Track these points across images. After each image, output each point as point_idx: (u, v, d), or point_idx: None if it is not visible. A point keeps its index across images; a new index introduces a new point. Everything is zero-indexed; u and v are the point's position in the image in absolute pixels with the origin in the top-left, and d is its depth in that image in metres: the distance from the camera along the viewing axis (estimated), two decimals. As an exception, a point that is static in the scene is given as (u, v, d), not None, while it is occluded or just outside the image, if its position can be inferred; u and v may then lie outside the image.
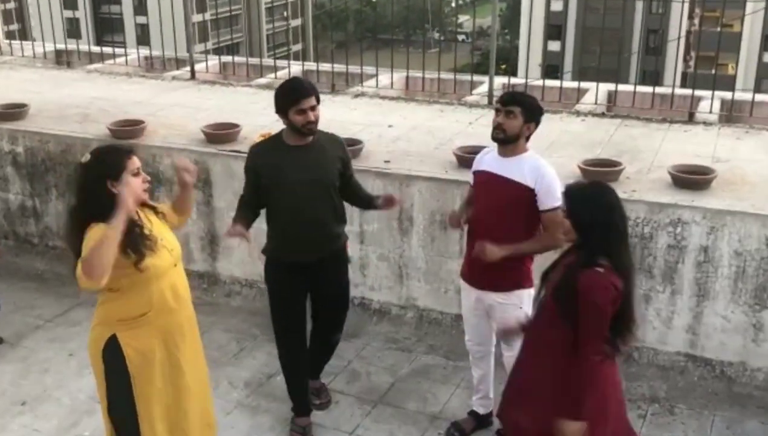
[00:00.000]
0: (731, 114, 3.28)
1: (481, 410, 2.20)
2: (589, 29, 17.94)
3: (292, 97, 1.94)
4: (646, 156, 2.77)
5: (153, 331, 1.63)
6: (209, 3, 20.40)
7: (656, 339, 2.45)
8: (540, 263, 2.00)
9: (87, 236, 1.54)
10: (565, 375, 1.51)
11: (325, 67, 3.99)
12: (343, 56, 4.29)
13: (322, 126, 2.03)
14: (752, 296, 2.34)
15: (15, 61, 4.51)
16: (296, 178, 1.98)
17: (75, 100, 3.63)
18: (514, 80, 3.68)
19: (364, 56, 3.99)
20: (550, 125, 2.85)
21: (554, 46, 19.24)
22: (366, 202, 2.17)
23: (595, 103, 3.40)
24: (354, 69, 3.91)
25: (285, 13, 27.18)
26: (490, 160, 1.98)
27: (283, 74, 4.05)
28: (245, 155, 2.11)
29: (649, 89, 3.43)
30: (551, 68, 17.25)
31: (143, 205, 1.68)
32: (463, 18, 22.33)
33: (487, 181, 1.97)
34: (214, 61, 4.38)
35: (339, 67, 4.05)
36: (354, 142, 2.73)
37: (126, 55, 4.52)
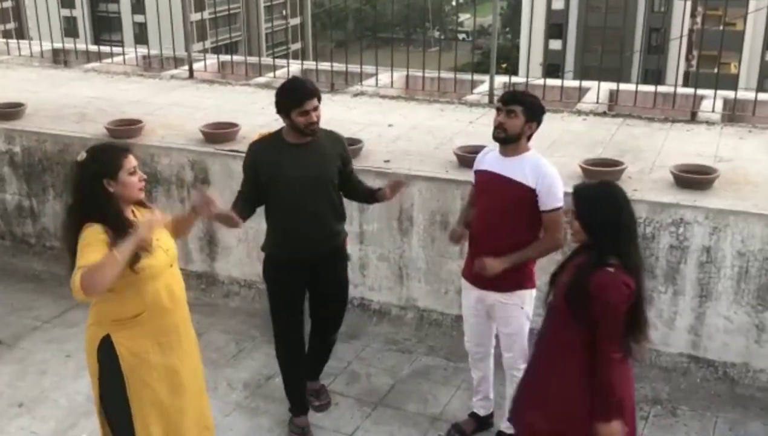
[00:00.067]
0: (734, 113, 3.28)
1: (482, 412, 2.19)
2: (590, 28, 17.93)
3: (296, 99, 1.94)
4: (648, 156, 2.76)
5: (147, 331, 1.62)
6: (208, 1, 20.36)
7: (658, 340, 2.44)
8: (540, 265, 2.01)
9: (82, 237, 1.52)
10: (580, 376, 1.51)
11: (325, 66, 3.98)
12: (343, 55, 4.26)
13: (321, 125, 2.03)
14: (755, 297, 2.33)
15: (12, 60, 4.50)
16: (295, 176, 1.98)
17: (72, 100, 3.61)
18: (515, 79, 3.67)
19: (363, 55, 3.96)
20: (552, 125, 2.83)
21: (555, 44, 19.23)
22: (368, 195, 2.17)
23: (597, 103, 3.39)
24: (353, 68, 3.89)
25: (284, 12, 27.15)
26: (491, 160, 1.97)
27: (282, 73, 4.03)
28: (244, 155, 2.11)
29: (651, 88, 3.42)
30: (552, 67, 17.25)
31: (139, 204, 1.66)
32: (463, 16, 22.31)
33: (488, 180, 1.96)
34: (212, 60, 4.37)
35: (338, 66, 4.03)
36: (354, 142, 2.71)
37: (124, 54, 4.51)
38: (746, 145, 2.90)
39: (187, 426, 1.69)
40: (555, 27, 19.25)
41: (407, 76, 3.90)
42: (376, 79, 3.81)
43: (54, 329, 2.78)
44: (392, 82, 3.78)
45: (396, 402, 2.35)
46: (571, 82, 3.79)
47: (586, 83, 3.70)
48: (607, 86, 3.56)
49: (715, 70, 3.35)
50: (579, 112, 3.33)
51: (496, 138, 1.92)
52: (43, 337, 2.73)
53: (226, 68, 4.26)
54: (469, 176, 2.25)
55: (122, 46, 4.76)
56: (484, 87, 3.64)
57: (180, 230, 1.77)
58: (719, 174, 2.46)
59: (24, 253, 3.35)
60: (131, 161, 1.59)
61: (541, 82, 3.56)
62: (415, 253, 2.70)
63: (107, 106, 3.47)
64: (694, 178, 2.43)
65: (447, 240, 2.57)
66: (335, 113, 3.14)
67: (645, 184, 2.48)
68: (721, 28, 3.47)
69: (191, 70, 4.08)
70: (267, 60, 4.39)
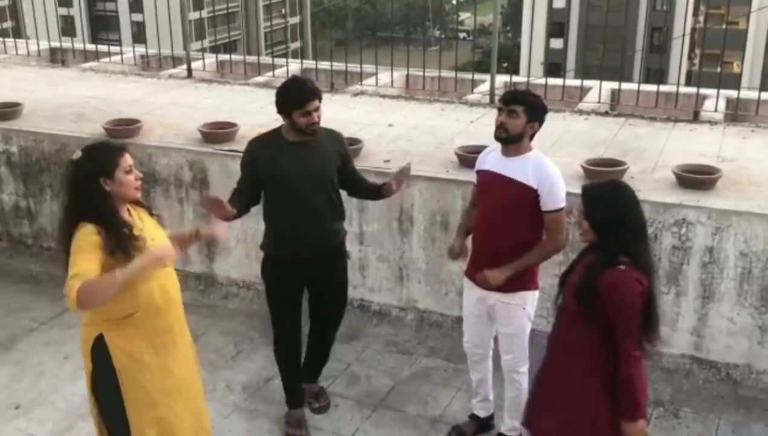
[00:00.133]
0: (737, 113, 3.26)
1: (482, 413, 2.18)
2: (592, 26, 17.89)
3: (297, 99, 1.94)
4: (651, 155, 2.75)
5: (141, 332, 1.60)
6: (206, 0, 20.29)
7: (660, 341, 2.43)
8: (542, 265, 1.99)
9: (75, 238, 1.51)
10: (591, 377, 1.50)
11: (324, 65, 3.96)
12: (342, 54, 4.22)
13: (321, 124, 2.02)
14: (758, 298, 2.32)
15: (9, 59, 4.47)
16: (294, 173, 1.98)
17: (70, 99, 3.59)
18: (516, 78, 3.66)
19: (363, 54, 3.94)
20: (553, 124, 2.81)
21: (557, 43, 19.19)
22: (373, 192, 2.16)
23: (599, 102, 3.38)
24: (353, 67, 3.87)
25: (283, 11, 27.11)
26: (493, 160, 1.95)
27: (281, 72, 4.01)
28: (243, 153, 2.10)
29: (653, 88, 3.39)
30: (554, 66, 17.21)
31: (136, 203, 1.65)
32: (464, 15, 22.29)
33: (489, 181, 1.95)
34: (211, 59, 4.35)
35: (338, 66, 4.01)
36: (354, 142, 2.70)
37: (122, 53, 4.48)
38: (749, 144, 2.89)
39: (182, 428, 1.67)
40: (556, 26, 19.21)
41: (407, 76, 3.88)
42: (376, 79, 3.79)
43: (51, 330, 2.76)
44: (392, 82, 3.76)
45: (396, 404, 2.34)
46: (572, 82, 3.78)
47: (587, 82, 3.69)
48: (608, 85, 3.54)
49: (718, 70, 3.33)
50: (581, 112, 3.31)
51: (497, 138, 1.90)
52: (41, 338, 2.72)
53: (224, 67, 4.24)
54: (469, 176, 2.23)
55: (120, 45, 4.77)
56: (485, 86, 3.62)
57: (177, 245, 1.73)
58: (722, 174, 2.44)
59: (21, 254, 3.34)
60: (127, 160, 1.58)
61: (542, 81, 3.55)
62: (415, 253, 2.69)
63: (105, 106, 3.45)
64: (696, 178, 2.42)
65: (448, 241, 2.56)
66: (335, 113, 3.12)
67: (647, 185, 2.46)
68: (724, 26, 3.46)
69: (189, 70, 4.05)
70: (266, 59, 4.37)
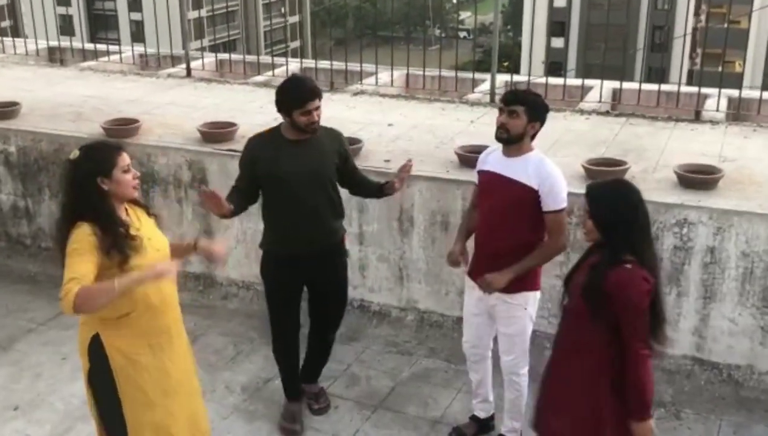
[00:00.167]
0: (738, 112, 3.25)
1: (482, 414, 2.17)
2: (593, 25, 17.85)
3: (298, 99, 1.94)
4: (652, 155, 2.74)
5: (137, 332, 1.59)
6: (205, -1, 20.27)
7: (662, 342, 2.42)
8: (543, 267, 1.98)
9: (71, 239, 1.50)
10: (600, 376, 1.49)
11: (324, 64, 3.95)
12: (342, 53, 4.22)
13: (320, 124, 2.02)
14: (760, 299, 2.31)
15: (7, 58, 4.46)
16: (293, 172, 1.98)
17: (68, 99, 3.58)
18: (516, 78, 3.63)
19: (363, 53, 3.93)
20: (554, 124, 2.80)
21: (558, 42, 19.16)
22: (376, 190, 2.16)
23: (600, 102, 3.36)
24: (353, 66, 3.86)
25: (283, 10, 27.07)
26: (494, 160, 1.94)
27: (280, 72, 4.00)
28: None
29: (654, 87, 3.38)
30: (554, 65, 17.18)
31: (134, 202, 1.64)
32: (464, 14, 22.26)
33: (490, 181, 1.94)
34: (210, 58, 4.34)
35: (338, 65, 4.00)
36: (353, 142, 2.69)
37: (120, 52, 4.48)
38: (751, 144, 2.87)
39: (179, 428, 1.66)
40: (557, 25, 19.19)
41: (407, 75, 3.87)
42: (376, 78, 3.78)
43: (49, 331, 2.75)
44: (392, 81, 3.74)
45: (396, 405, 2.33)
46: (573, 81, 3.76)
47: (588, 82, 3.67)
48: (610, 85, 3.53)
49: (720, 69, 3.31)
50: (581, 111, 3.30)
51: (498, 139, 1.89)
52: (39, 339, 2.71)
53: (224, 67, 4.23)
54: (470, 176, 2.22)
55: (119, 44, 4.77)
56: (486, 86, 3.60)
57: (174, 255, 1.74)
58: (724, 174, 2.43)
59: (19, 254, 3.32)
60: (125, 159, 1.58)
61: (543, 80, 3.54)
62: (415, 254, 2.68)
63: (103, 105, 3.44)
64: (698, 178, 2.41)
65: (448, 241, 2.56)
66: (335, 112, 3.10)
67: (648, 185, 2.45)
68: (726, 25, 3.45)
69: (189, 69, 4.04)
70: (266, 58, 4.33)
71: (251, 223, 2.80)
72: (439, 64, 3.71)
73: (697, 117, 3.19)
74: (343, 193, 2.19)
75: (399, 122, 3.19)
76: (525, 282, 1.93)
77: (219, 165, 2.87)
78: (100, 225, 1.51)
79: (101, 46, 4.53)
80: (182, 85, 3.87)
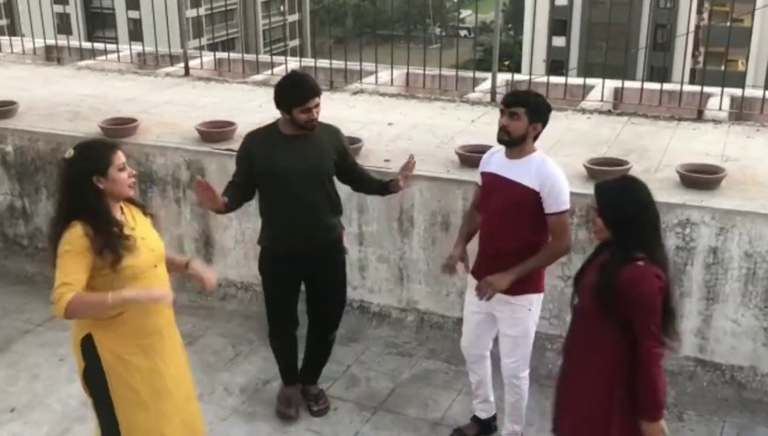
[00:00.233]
0: (741, 111, 3.22)
1: (483, 415, 2.15)
2: (594, 24, 17.83)
3: (299, 97, 1.94)
4: (654, 155, 2.72)
5: (128, 332, 1.58)
6: (204, -3, 20.23)
7: (664, 344, 2.40)
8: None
9: (64, 240, 1.50)
10: (614, 375, 1.47)
11: (323, 63, 3.92)
12: (342, 52, 4.19)
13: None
14: (763, 299, 2.30)
15: (4, 57, 4.44)
16: (290, 167, 1.97)
17: (65, 98, 3.56)
18: (517, 77, 3.60)
19: (363, 52, 3.91)
20: (555, 123, 2.77)
21: (559, 41, 19.12)
22: (380, 187, 2.15)
23: (601, 101, 3.35)
24: (353, 65, 3.84)
25: (282, 8, 27.01)
26: (497, 162, 1.93)
27: (279, 71, 3.97)
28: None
29: (656, 86, 3.37)
30: (556, 64, 17.15)
31: (129, 201, 1.63)
32: (465, 13, 22.22)
33: (493, 182, 1.92)
34: (208, 57, 4.30)
35: (337, 64, 3.97)
36: (353, 141, 2.67)
37: (118, 51, 4.45)
38: (754, 144, 2.86)
39: (172, 429, 1.65)
40: (558, 23, 19.15)
41: (407, 74, 3.85)
42: (376, 77, 3.76)
43: (47, 332, 2.73)
44: (392, 80, 3.72)
45: (396, 407, 2.31)
46: (575, 80, 3.75)
47: (590, 81, 3.66)
48: (611, 84, 3.51)
49: (722, 68, 3.29)
50: (583, 111, 3.28)
51: (500, 141, 1.88)
52: (36, 340, 2.69)
53: (222, 66, 4.22)
54: (470, 176, 2.20)
55: (116, 43, 4.68)
56: (486, 85, 3.59)
57: (167, 268, 1.73)
58: (726, 174, 2.42)
59: (16, 254, 3.30)
60: (120, 157, 1.57)
61: (544, 79, 3.52)
62: (415, 254, 2.66)
63: (101, 105, 3.42)
64: (700, 177, 2.40)
65: (449, 241, 2.54)
66: (334, 112, 3.09)
67: (651, 184, 2.34)
68: (729, 24, 3.42)
69: (187, 68, 4.02)
70: (264, 57, 4.30)
71: (250, 223, 2.78)
72: (439, 63, 3.68)
73: (699, 116, 3.17)
74: (344, 191, 2.18)
75: (399, 122, 3.18)
76: (529, 284, 1.91)
77: (218, 165, 2.85)
78: (93, 224, 1.50)
79: (99, 45, 4.47)
80: (180, 84, 3.85)
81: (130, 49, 4.45)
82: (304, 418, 2.24)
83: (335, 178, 2.10)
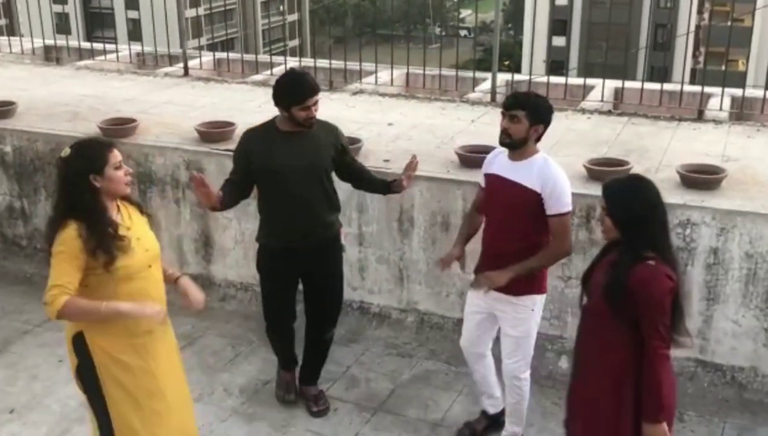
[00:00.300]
0: (742, 111, 3.22)
1: (491, 410, 2.15)
2: (594, 24, 17.82)
3: (298, 95, 1.95)
4: (654, 155, 2.72)
5: (120, 331, 1.58)
6: (203, -3, 20.20)
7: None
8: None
9: (58, 240, 1.49)
10: (624, 376, 1.46)
11: (323, 63, 3.91)
12: (341, 52, 4.19)
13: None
14: (764, 300, 2.29)
15: (2, 57, 4.44)
16: (288, 164, 1.98)
17: (64, 98, 3.56)
18: (517, 77, 3.59)
19: (363, 52, 3.90)
20: (555, 123, 2.73)
21: (559, 41, 19.11)
22: (382, 186, 2.15)
23: (602, 101, 3.34)
24: (352, 65, 3.84)
25: (281, 8, 27.00)
26: (500, 163, 1.93)
27: (279, 71, 3.95)
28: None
29: (657, 86, 3.36)
30: (556, 64, 17.14)
31: (126, 200, 1.63)
32: (465, 13, 22.22)
33: (496, 184, 1.93)
34: (208, 57, 4.29)
35: (337, 64, 3.97)
36: (353, 141, 2.66)
37: (117, 51, 4.44)
38: (754, 144, 2.86)
39: (166, 429, 1.64)
40: (558, 23, 19.14)
41: (407, 74, 3.85)
42: (376, 77, 3.75)
43: (46, 332, 2.72)
44: (392, 80, 3.72)
45: (396, 408, 2.31)
46: (575, 80, 3.74)
47: (590, 81, 3.65)
48: (612, 84, 3.50)
49: (723, 68, 3.29)
50: (583, 111, 3.28)
51: (502, 143, 1.89)
52: (35, 341, 2.68)
53: (222, 66, 4.21)
54: (470, 176, 2.20)
55: (116, 43, 4.67)
56: (486, 85, 3.58)
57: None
58: (727, 174, 2.41)
59: (15, 255, 3.30)
60: (116, 156, 1.57)
61: (544, 79, 3.52)
62: (415, 255, 2.66)
63: (100, 105, 3.42)
64: (701, 178, 2.39)
65: (449, 242, 2.53)
66: (334, 112, 3.07)
67: None
68: (729, 24, 3.41)
69: (186, 68, 4.02)
70: (264, 57, 4.30)
71: (249, 223, 2.78)
72: (439, 62, 3.68)
73: (700, 116, 3.17)
74: (344, 191, 2.18)
75: (399, 122, 3.17)
76: (532, 285, 1.91)
77: (217, 165, 2.84)
78: (88, 224, 1.50)
79: (98, 45, 4.47)
80: (180, 84, 3.85)
81: (130, 49, 4.46)
82: (304, 419, 2.23)
83: (334, 176, 2.10)
